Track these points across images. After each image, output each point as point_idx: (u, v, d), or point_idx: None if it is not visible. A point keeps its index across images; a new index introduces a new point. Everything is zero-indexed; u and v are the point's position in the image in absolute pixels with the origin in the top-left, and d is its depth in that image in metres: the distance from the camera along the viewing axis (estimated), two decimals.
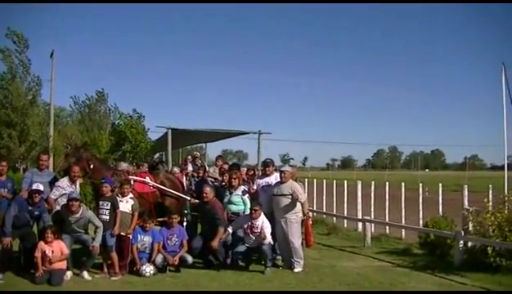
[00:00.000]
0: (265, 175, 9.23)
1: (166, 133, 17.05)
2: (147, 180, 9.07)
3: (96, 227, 7.64)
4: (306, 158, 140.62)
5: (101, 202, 7.93)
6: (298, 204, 8.53)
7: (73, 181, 8.10)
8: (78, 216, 7.55)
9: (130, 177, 8.88)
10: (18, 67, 24.86)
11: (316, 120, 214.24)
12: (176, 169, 11.85)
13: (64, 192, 7.88)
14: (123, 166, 10.02)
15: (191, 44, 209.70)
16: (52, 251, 7.28)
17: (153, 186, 9.06)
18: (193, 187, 10.51)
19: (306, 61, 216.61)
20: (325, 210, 14.69)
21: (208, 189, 8.70)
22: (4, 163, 8.14)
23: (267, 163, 9.36)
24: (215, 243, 8.27)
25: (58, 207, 7.82)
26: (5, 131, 24.07)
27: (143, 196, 8.80)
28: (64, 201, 7.75)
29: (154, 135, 23.50)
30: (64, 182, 8.04)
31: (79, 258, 7.84)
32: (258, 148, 18.41)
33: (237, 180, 9.11)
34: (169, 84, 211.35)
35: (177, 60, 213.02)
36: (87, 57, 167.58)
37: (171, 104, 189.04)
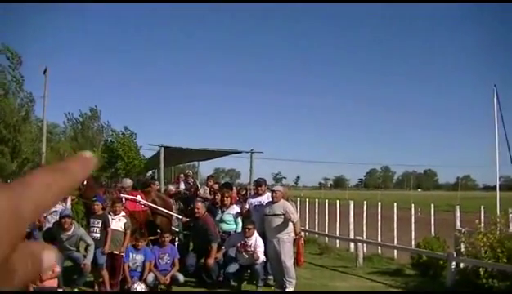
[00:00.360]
0: (257, 194, 9.23)
1: (159, 151, 17.01)
2: (138, 198, 9.01)
3: (88, 245, 7.59)
4: (298, 178, 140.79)
5: (92, 220, 7.88)
6: (291, 224, 8.50)
7: (63, 198, 8.04)
8: (69, 233, 7.50)
9: (122, 195, 8.82)
10: (11, 83, 24.78)
11: (308, 139, 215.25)
12: (171, 187, 11.77)
13: (54, 209, 7.81)
14: (128, 183, 9.91)
15: (184, 62, 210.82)
16: None
17: (144, 205, 9.00)
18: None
19: (299, 80, 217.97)
20: (317, 229, 14.65)
21: (199, 205, 8.68)
22: None
23: (259, 183, 9.37)
24: (211, 261, 8.22)
25: (48, 225, 7.76)
26: None
27: (134, 215, 8.74)
28: (54, 218, 7.69)
29: (147, 153, 23.52)
30: None
31: (70, 276, 7.76)
32: (251, 167, 18.40)
33: (229, 198, 9.10)
34: (163, 102, 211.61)
35: (169, 78, 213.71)
36: (80, 74, 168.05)
37: (164, 122, 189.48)
